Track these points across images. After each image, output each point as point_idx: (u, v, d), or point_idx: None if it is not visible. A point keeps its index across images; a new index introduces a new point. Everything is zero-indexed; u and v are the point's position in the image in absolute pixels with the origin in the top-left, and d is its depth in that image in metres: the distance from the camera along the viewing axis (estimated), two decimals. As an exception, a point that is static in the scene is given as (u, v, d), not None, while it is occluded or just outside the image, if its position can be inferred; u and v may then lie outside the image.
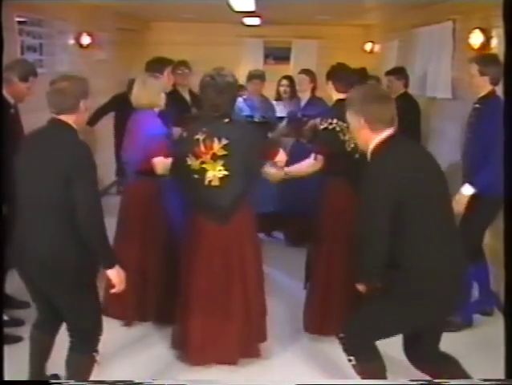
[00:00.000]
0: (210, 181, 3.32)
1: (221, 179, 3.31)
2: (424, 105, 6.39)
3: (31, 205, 2.75)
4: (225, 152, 3.28)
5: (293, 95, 5.96)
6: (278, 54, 10.71)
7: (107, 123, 7.36)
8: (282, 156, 3.61)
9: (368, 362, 2.85)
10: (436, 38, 6.14)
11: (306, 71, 5.73)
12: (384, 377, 2.92)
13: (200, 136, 3.32)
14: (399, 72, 6.00)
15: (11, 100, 3.97)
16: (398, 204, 2.56)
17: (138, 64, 7.41)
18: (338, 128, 3.66)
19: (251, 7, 6.65)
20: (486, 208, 3.83)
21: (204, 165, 3.32)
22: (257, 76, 5.72)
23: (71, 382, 2.83)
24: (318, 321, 3.85)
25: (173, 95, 4.94)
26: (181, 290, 3.53)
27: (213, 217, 3.38)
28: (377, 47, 9.49)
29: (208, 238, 3.40)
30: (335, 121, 3.68)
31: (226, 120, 3.36)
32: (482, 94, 3.89)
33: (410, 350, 2.87)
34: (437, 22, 6.13)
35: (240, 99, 5.66)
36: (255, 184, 3.52)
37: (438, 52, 6.06)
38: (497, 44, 4.66)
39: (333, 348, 3.16)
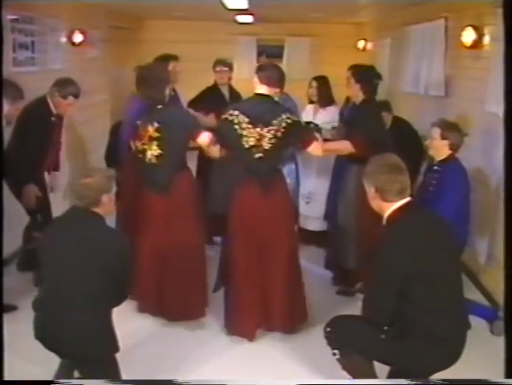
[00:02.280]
0: (150, 159, 3.82)
1: (157, 157, 3.80)
2: (416, 103, 6.42)
3: (65, 291, 2.78)
4: (158, 134, 3.76)
5: (322, 97, 5.38)
6: (271, 52, 10.69)
7: (100, 123, 7.37)
8: (204, 138, 3.80)
9: (353, 356, 2.88)
10: (429, 36, 6.15)
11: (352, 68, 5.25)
12: (372, 371, 2.95)
13: (138, 122, 3.86)
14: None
15: (53, 109, 4.43)
16: (408, 276, 2.65)
17: (131, 62, 7.40)
18: (236, 121, 3.60)
19: (244, 5, 6.64)
20: None
21: (144, 146, 3.83)
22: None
23: (72, 382, 2.84)
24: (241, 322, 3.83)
25: (213, 92, 5.42)
26: (137, 255, 3.77)
27: (154, 189, 3.86)
28: (370, 45, 9.51)
29: (152, 207, 3.90)
30: (236, 113, 3.61)
31: (159, 107, 3.82)
32: (441, 157, 3.97)
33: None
34: (429, 20, 6.14)
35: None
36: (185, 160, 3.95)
37: (431, 50, 6.07)
38: (489, 42, 4.68)
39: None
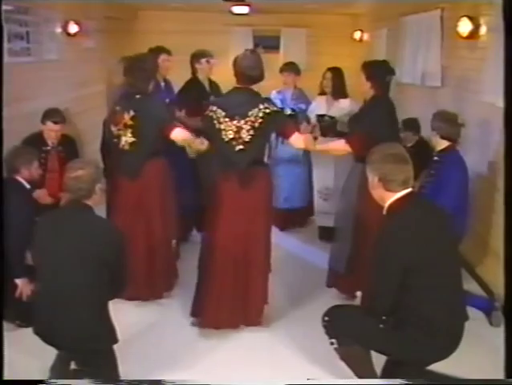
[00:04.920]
0: (123, 146, 3.98)
1: (130, 144, 3.95)
2: (413, 93, 6.42)
3: (61, 285, 2.78)
4: (132, 123, 3.91)
5: (336, 89, 5.23)
6: (268, 43, 10.67)
7: (96, 114, 7.34)
8: (177, 134, 3.92)
9: (351, 346, 2.89)
10: (425, 27, 6.15)
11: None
12: (369, 361, 2.96)
13: (117, 108, 4.00)
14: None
15: (47, 140, 4.67)
16: (408, 266, 2.66)
17: (126, 53, 7.36)
18: (214, 116, 3.65)
19: (240, -4, 6.63)
20: None
21: (119, 132, 3.97)
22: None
23: (71, 382, 2.84)
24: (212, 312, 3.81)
25: (193, 83, 5.32)
26: None
27: (125, 174, 4.02)
28: (366, 36, 9.49)
29: (122, 192, 4.07)
30: (214, 108, 3.67)
31: (138, 96, 3.95)
32: (440, 148, 4.02)
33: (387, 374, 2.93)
34: (426, 11, 6.14)
35: (274, 92, 5.54)
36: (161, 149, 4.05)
37: (427, 40, 6.08)
38: (485, 32, 4.67)
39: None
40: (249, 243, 3.73)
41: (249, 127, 3.58)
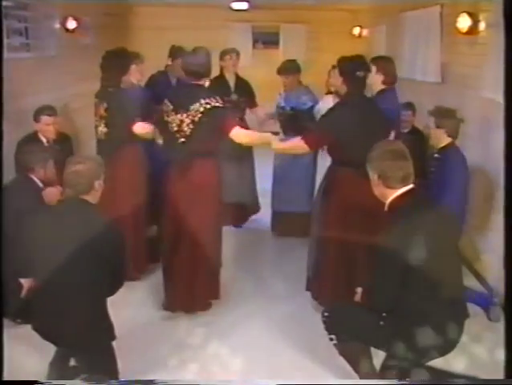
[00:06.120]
0: (100, 135, 4.35)
1: (105, 134, 4.30)
2: (413, 89, 6.42)
3: (59, 280, 2.77)
4: (105, 114, 4.24)
5: None
6: (267, 39, 10.66)
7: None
8: (137, 128, 4.17)
9: (350, 342, 2.91)
10: (424, 23, 6.15)
11: (374, 60, 4.31)
12: (368, 359, 2.96)
13: (96, 100, 4.33)
14: None
15: (43, 138, 4.63)
16: (408, 262, 2.65)
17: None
18: (165, 109, 3.84)
19: (239, -9, 6.61)
20: None
21: (96, 122, 4.35)
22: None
23: (66, 382, 2.84)
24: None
25: (216, 79, 5.29)
26: None
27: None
28: (365, 32, 9.48)
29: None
30: (165, 101, 3.86)
31: (110, 90, 4.26)
32: (442, 145, 4.03)
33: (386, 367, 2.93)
34: (425, 7, 6.13)
35: (278, 96, 5.48)
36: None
37: (426, 36, 6.07)
38: (485, 28, 4.67)
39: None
40: (192, 232, 3.81)
41: (189, 121, 3.73)
